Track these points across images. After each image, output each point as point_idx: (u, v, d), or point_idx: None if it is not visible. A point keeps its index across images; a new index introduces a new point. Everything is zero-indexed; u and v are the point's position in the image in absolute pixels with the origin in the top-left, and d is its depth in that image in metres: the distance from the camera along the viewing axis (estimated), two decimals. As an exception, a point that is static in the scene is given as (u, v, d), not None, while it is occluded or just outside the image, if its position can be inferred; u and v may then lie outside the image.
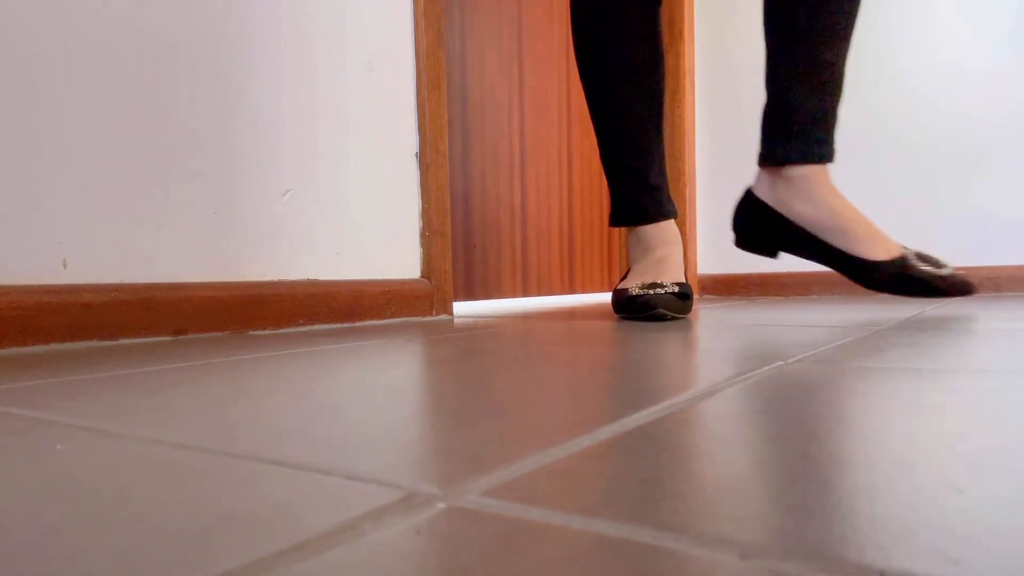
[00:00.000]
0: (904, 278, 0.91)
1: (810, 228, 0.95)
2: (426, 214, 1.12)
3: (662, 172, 1.05)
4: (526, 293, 1.70)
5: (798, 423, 0.29)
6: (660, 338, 0.66)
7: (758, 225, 0.99)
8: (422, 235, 1.12)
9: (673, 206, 1.05)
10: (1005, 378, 0.38)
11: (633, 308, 0.92)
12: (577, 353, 0.55)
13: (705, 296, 1.85)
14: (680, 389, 0.37)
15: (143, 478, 0.23)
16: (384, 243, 1.06)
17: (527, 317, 1.05)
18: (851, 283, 1.64)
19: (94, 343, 0.71)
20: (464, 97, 1.54)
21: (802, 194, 0.95)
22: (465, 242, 1.54)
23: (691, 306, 0.96)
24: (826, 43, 0.93)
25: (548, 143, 1.79)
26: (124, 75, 0.76)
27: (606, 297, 1.84)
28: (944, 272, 0.91)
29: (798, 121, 0.95)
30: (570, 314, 1.10)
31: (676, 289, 0.92)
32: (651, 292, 0.91)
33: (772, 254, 1.00)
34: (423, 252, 1.12)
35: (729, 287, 1.83)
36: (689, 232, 1.88)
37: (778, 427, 0.28)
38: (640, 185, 1.03)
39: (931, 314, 0.89)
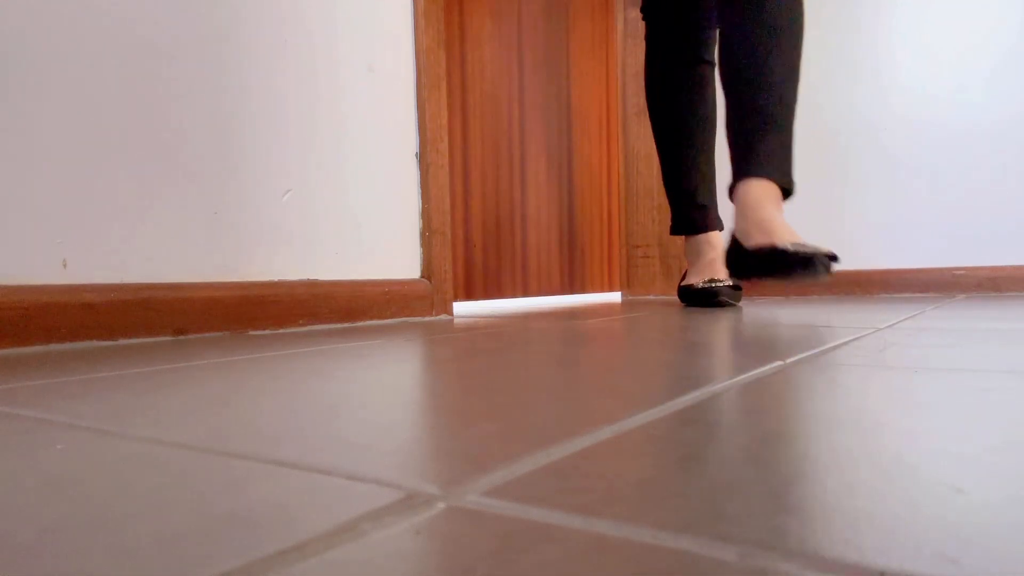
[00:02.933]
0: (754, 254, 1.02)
1: (739, 237, 1.06)
2: (426, 214, 1.12)
3: (710, 193, 1.33)
4: (526, 293, 1.70)
5: (798, 423, 0.29)
6: (660, 339, 0.66)
7: (729, 254, 1.10)
8: (422, 235, 1.12)
9: (719, 221, 1.33)
10: (1004, 378, 0.38)
11: (701, 297, 1.22)
12: (577, 353, 0.55)
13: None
14: (680, 389, 0.37)
15: (143, 478, 0.23)
16: (384, 243, 1.06)
17: (527, 317, 1.05)
18: (851, 285, 1.64)
19: (94, 343, 0.71)
20: (464, 97, 1.54)
21: (740, 211, 1.06)
22: (465, 242, 1.54)
23: (741, 296, 1.25)
24: (761, 91, 1.09)
25: (548, 143, 1.79)
26: (125, 75, 0.76)
27: (606, 297, 1.84)
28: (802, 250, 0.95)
29: (737, 149, 1.10)
30: (570, 314, 1.10)
31: (731, 283, 1.23)
32: (712, 285, 1.22)
33: (745, 277, 1.07)
34: (423, 252, 1.12)
35: (729, 287, 1.83)
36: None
37: (778, 427, 0.28)
38: (691, 204, 1.32)
39: (930, 315, 0.89)
